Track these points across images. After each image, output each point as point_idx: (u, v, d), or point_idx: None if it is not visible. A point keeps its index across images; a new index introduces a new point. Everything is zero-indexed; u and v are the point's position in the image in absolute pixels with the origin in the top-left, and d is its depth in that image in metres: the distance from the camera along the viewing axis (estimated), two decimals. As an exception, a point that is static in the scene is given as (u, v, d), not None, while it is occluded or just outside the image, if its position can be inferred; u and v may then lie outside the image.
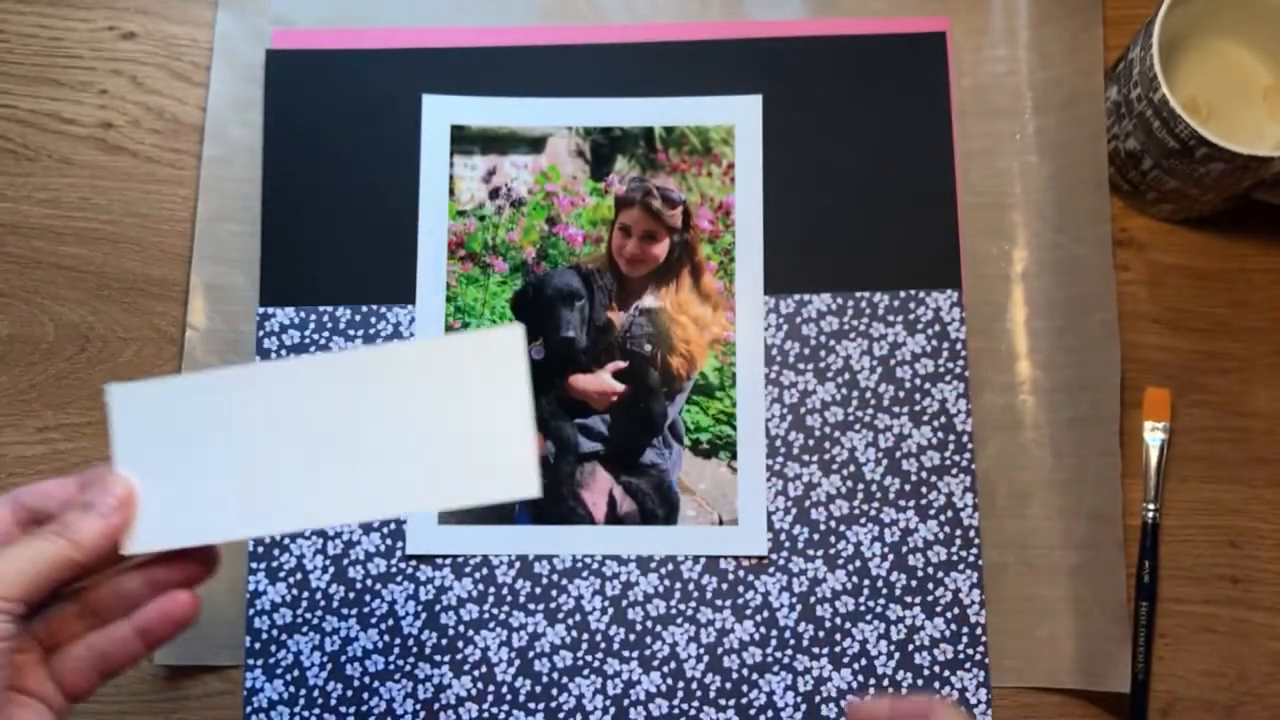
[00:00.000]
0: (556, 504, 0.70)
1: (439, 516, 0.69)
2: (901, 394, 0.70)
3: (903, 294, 0.71)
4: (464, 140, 0.73)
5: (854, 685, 0.68)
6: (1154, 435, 0.70)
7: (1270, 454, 0.70)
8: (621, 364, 0.71)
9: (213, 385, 0.50)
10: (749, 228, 0.72)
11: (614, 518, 0.69)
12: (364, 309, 0.71)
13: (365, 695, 0.68)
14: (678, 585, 0.69)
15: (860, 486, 0.70)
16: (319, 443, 0.49)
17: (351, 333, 0.71)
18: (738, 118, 0.73)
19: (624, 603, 0.69)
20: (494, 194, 0.73)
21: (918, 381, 0.70)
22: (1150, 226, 0.73)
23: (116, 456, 0.50)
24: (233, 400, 0.50)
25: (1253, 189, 0.69)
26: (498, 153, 0.73)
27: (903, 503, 0.69)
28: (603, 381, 0.71)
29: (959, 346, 0.70)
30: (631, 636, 0.68)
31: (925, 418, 0.70)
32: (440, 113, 0.73)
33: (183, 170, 0.74)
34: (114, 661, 0.48)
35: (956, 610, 0.68)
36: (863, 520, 0.69)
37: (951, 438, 0.70)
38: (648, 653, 0.68)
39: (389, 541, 0.69)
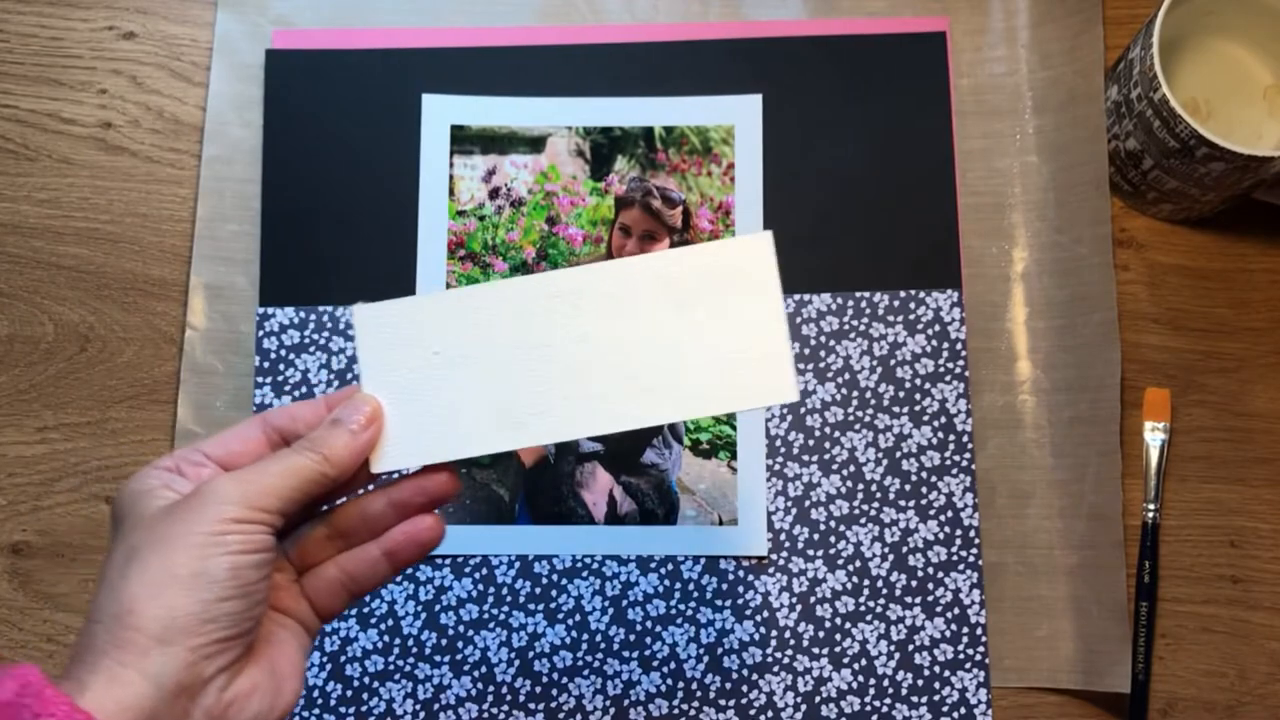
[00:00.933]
0: (556, 504, 0.69)
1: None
2: (901, 394, 0.70)
3: (903, 294, 0.71)
4: (464, 140, 0.73)
5: (854, 685, 0.67)
6: (1154, 435, 0.70)
7: (1270, 454, 0.70)
8: None
9: (457, 303, 0.50)
10: (749, 228, 0.72)
11: (614, 518, 0.69)
12: (364, 309, 0.71)
13: (365, 695, 0.67)
14: (677, 585, 0.69)
15: (860, 487, 0.70)
16: (568, 355, 0.50)
17: (351, 333, 0.71)
18: (738, 118, 0.73)
19: (624, 603, 0.69)
20: (494, 194, 0.73)
21: (918, 381, 0.70)
22: (1150, 226, 0.73)
23: (363, 377, 0.50)
24: (479, 317, 0.50)
25: (1253, 189, 0.69)
26: (498, 153, 0.73)
27: (903, 503, 0.69)
28: None
29: (959, 346, 0.70)
30: (631, 637, 0.68)
31: (925, 418, 0.70)
32: (440, 113, 0.73)
33: (183, 170, 0.74)
34: (363, 583, 0.50)
35: (956, 610, 0.68)
36: (863, 520, 0.69)
37: (951, 438, 0.70)
38: (647, 653, 0.68)
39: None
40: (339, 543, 0.50)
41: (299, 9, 0.75)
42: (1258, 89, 0.72)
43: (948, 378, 0.70)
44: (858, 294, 0.71)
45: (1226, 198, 0.70)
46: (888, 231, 0.72)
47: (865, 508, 0.69)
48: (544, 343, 0.50)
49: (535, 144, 0.73)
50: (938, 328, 0.71)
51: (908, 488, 0.69)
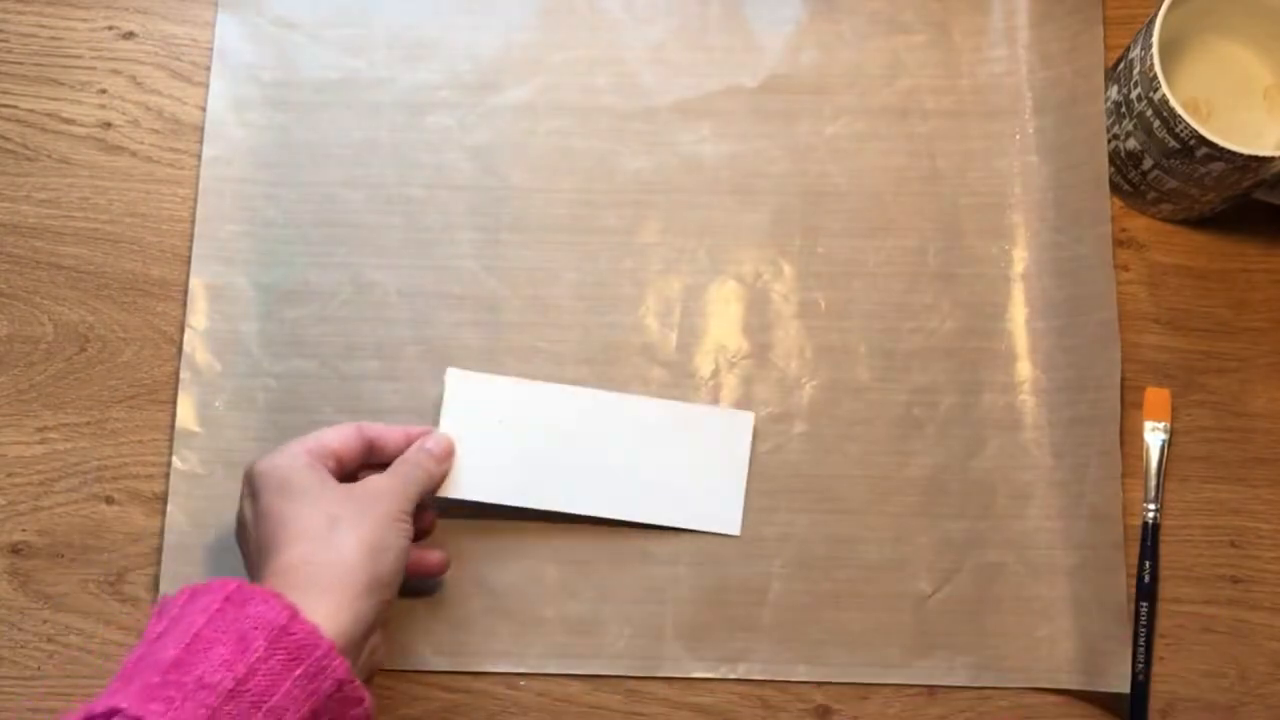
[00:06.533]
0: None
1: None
2: None
3: None
4: None
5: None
6: (1154, 435, 0.70)
7: (1270, 454, 0.70)
8: None
9: (528, 393, 0.67)
10: None
11: None
12: (362, 310, 0.71)
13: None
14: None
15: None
16: (587, 455, 0.67)
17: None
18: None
19: None
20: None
21: None
22: (1150, 226, 0.73)
23: (444, 423, 0.66)
24: (539, 407, 0.67)
25: (1253, 189, 0.69)
26: None
27: None
28: None
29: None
30: None
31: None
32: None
33: (183, 170, 0.74)
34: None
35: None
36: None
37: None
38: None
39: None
40: None
41: (299, 9, 0.75)
42: (1258, 89, 0.72)
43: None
44: None
45: (1226, 198, 0.70)
46: None
47: None
48: (573, 443, 0.67)
49: None
50: None
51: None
